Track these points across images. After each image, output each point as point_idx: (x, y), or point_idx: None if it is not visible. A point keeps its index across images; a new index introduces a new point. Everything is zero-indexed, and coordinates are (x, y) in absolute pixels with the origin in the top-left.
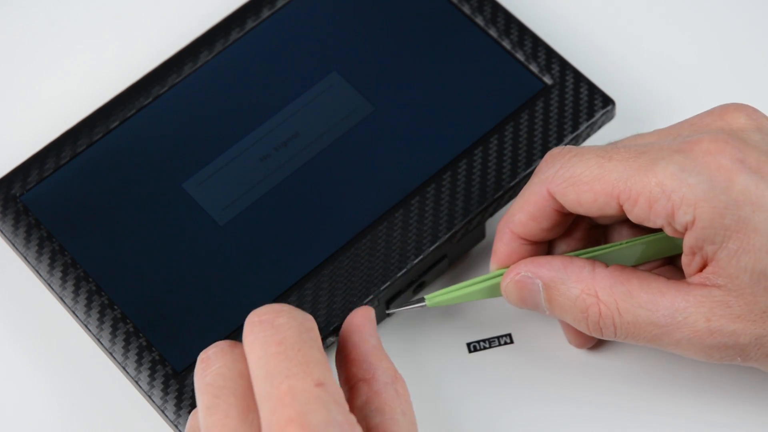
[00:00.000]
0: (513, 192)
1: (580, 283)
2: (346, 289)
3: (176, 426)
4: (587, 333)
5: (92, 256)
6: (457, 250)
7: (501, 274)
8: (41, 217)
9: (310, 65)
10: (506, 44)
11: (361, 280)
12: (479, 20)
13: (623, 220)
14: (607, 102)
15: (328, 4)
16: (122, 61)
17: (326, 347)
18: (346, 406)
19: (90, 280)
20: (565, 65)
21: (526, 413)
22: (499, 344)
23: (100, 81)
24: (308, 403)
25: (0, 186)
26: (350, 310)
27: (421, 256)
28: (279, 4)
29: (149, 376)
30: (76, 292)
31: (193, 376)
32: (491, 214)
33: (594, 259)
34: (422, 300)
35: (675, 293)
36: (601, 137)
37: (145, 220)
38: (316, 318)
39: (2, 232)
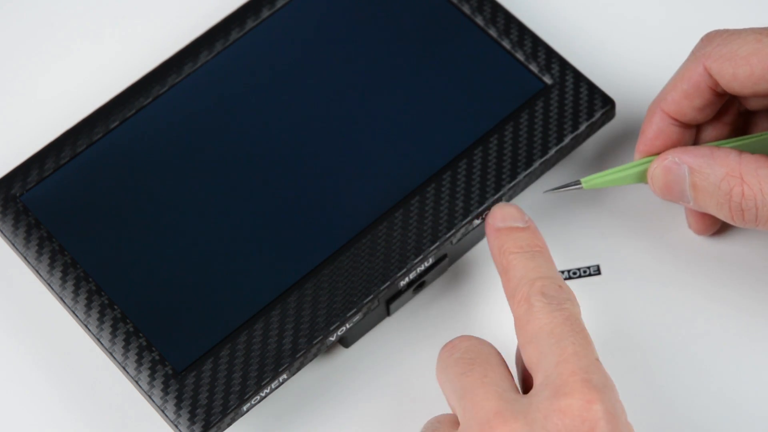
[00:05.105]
0: (513, 192)
1: (726, 166)
2: (346, 289)
3: (176, 426)
4: (728, 220)
5: (92, 256)
6: (457, 250)
7: (650, 161)
8: (41, 217)
9: (309, 65)
10: (506, 44)
11: (361, 280)
12: (479, 20)
13: None
14: (607, 102)
15: (327, 4)
16: (122, 61)
17: (327, 347)
18: None
19: (90, 280)
20: (565, 65)
21: None
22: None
23: (100, 81)
24: (591, 366)
25: (0, 186)
26: (350, 309)
27: (421, 256)
28: (279, 4)
29: (149, 376)
30: (76, 292)
31: (192, 376)
32: None
33: (740, 149)
34: (579, 183)
35: None
36: (601, 137)
37: (145, 220)
38: (316, 318)
39: (2, 232)
